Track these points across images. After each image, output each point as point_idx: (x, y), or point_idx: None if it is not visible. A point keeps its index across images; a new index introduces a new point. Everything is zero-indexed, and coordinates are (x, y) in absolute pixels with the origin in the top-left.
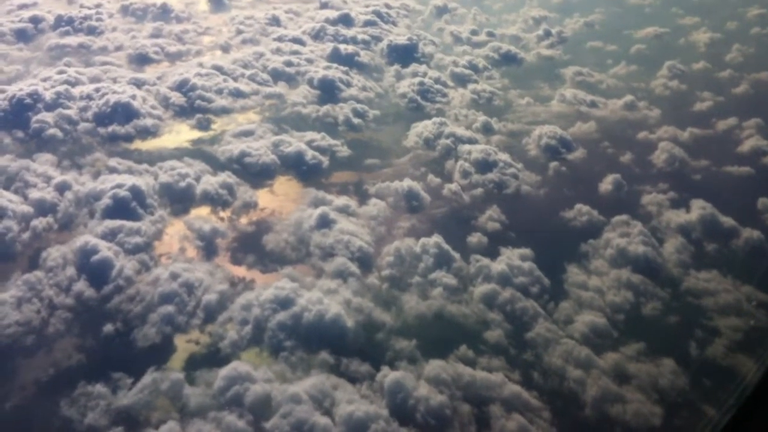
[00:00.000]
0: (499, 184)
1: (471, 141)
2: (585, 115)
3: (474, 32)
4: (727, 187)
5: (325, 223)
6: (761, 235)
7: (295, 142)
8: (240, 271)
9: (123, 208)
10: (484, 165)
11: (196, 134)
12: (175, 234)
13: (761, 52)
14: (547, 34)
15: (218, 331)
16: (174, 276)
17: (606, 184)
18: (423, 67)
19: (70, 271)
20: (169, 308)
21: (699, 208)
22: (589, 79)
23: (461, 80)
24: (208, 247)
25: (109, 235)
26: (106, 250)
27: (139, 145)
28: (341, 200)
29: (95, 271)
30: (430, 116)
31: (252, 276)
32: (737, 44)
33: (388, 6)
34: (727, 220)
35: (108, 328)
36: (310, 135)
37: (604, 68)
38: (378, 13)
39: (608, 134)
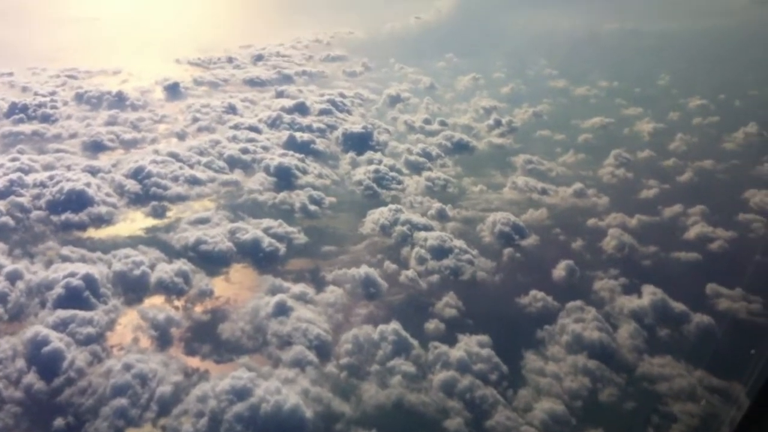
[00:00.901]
0: (455, 270)
1: (426, 228)
2: (536, 203)
3: (427, 121)
4: (676, 273)
5: (282, 310)
6: (711, 320)
7: (252, 230)
8: (195, 362)
9: (75, 297)
10: (440, 251)
11: (151, 222)
12: (128, 324)
13: (703, 141)
14: (498, 123)
15: (173, 425)
16: (127, 367)
17: (559, 270)
18: (378, 155)
19: (20, 363)
20: (122, 401)
21: (650, 294)
22: (539, 167)
23: (416, 168)
24: (163, 337)
25: (61, 326)
26: (57, 341)
27: (93, 233)
28: (298, 287)
29: (46, 362)
30: (386, 203)
31: (207, 366)
32: (680, 133)
33: (342, 95)
34: (678, 306)
35: (59, 422)
36: (267, 222)
37: (553, 156)
38: (333, 102)
39: (559, 221)
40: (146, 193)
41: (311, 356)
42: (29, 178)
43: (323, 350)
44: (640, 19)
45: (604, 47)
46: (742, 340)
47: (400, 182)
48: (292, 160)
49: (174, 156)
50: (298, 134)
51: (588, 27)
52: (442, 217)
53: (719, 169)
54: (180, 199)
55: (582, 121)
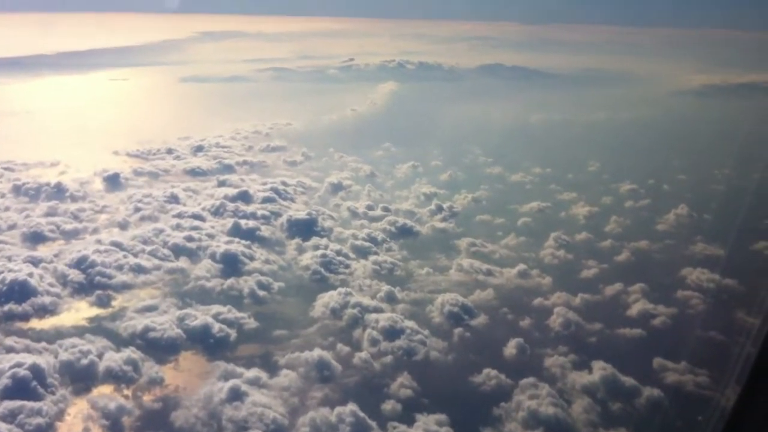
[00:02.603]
0: (407, 351)
1: (377, 310)
2: (483, 284)
3: (370, 207)
4: (623, 349)
5: (236, 396)
6: (661, 393)
7: (201, 316)
8: None
9: (22, 388)
10: (392, 333)
11: (96, 311)
12: (78, 414)
13: (637, 222)
14: (439, 209)
15: None
16: None
17: (510, 348)
18: (324, 240)
19: None
20: None
21: (600, 369)
22: (482, 250)
23: (362, 252)
24: (114, 427)
25: (9, 417)
26: None
27: (36, 323)
28: (251, 372)
29: None
30: (335, 287)
31: None
32: (614, 216)
33: (285, 183)
34: (628, 380)
35: None
36: (216, 308)
37: (495, 239)
38: (276, 190)
39: (506, 301)
40: (90, 282)
41: None
42: None
43: None
44: (566, 110)
45: (534, 136)
46: (691, 411)
47: (347, 266)
48: (238, 246)
49: (117, 245)
50: (242, 221)
51: (516, 117)
52: (391, 299)
53: (654, 248)
54: (125, 287)
55: (520, 206)
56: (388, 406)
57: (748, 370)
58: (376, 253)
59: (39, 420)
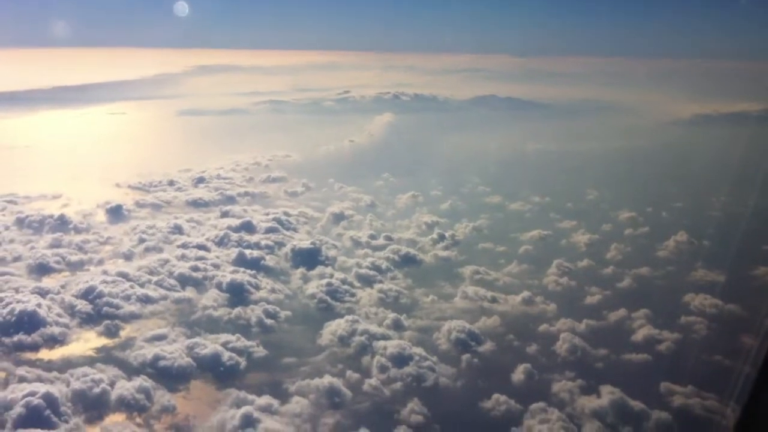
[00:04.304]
0: (417, 377)
1: (384, 337)
2: (488, 311)
3: (372, 236)
4: (629, 373)
5: (249, 422)
6: (668, 416)
7: (210, 344)
8: None
9: (36, 416)
10: (401, 359)
11: (105, 341)
12: None
13: (637, 250)
14: (441, 237)
15: None
16: None
17: (518, 374)
18: (329, 269)
19: None
20: None
21: (608, 393)
22: (486, 277)
23: (367, 281)
24: None
25: None
26: None
27: (46, 353)
28: (263, 399)
29: None
30: (341, 315)
31: None
32: (615, 243)
33: (287, 214)
34: (636, 404)
35: None
36: (225, 337)
37: (498, 267)
38: (279, 221)
39: (512, 327)
40: (98, 312)
41: None
42: None
43: None
44: (561, 140)
45: (531, 166)
46: None
47: (353, 294)
48: (243, 276)
49: (124, 275)
50: (247, 251)
51: (513, 147)
52: (398, 326)
53: (656, 275)
54: (133, 317)
55: (520, 234)
56: (400, 431)
57: (748, 390)
58: (380, 282)
59: None
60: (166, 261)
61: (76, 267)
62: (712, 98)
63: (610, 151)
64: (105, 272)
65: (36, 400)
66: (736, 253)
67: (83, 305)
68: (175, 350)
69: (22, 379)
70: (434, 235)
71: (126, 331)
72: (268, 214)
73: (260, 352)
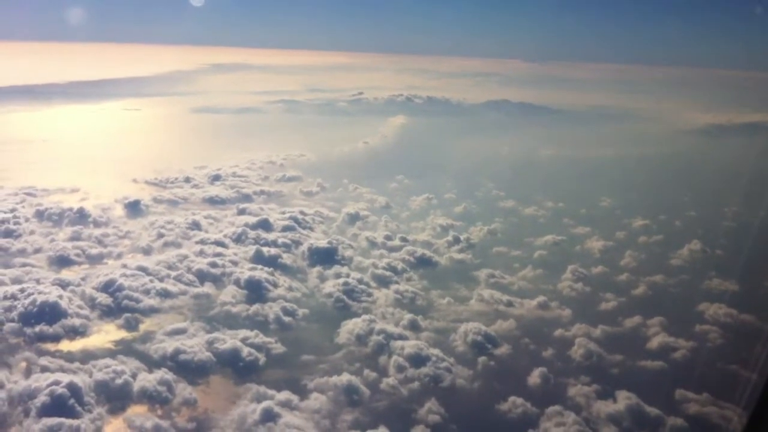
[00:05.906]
0: (434, 378)
1: (402, 337)
2: (503, 314)
3: (388, 237)
4: (644, 380)
5: (269, 417)
6: (684, 423)
7: (230, 340)
8: None
9: (61, 405)
10: (418, 360)
11: (125, 334)
12: None
13: (651, 257)
14: (456, 240)
15: None
16: None
17: (534, 378)
18: (345, 269)
19: None
20: None
21: (625, 399)
22: (501, 281)
23: (383, 281)
24: None
25: None
26: None
27: (67, 344)
28: (283, 395)
29: None
30: (358, 314)
31: None
32: (629, 251)
33: (303, 213)
34: (652, 410)
35: None
36: (244, 333)
37: (513, 271)
38: (295, 219)
39: (527, 331)
40: (118, 305)
41: None
42: None
43: None
44: (574, 146)
45: (545, 171)
46: None
47: (369, 294)
48: (261, 273)
49: (143, 270)
50: (264, 249)
51: (526, 152)
52: (414, 327)
53: (670, 283)
54: (152, 311)
55: (535, 239)
56: (418, 430)
57: (756, 397)
58: (396, 282)
59: None
60: (185, 256)
61: (95, 260)
62: (727, 108)
63: (623, 158)
64: (124, 266)
65: (60, 389)
66: (750, 262)
67: (103, 298)
68: (194, 344)
69: (44, 369)
70: (449, 238)
71: (146, 325)
72: (284, 213)
73: (278, 348)
